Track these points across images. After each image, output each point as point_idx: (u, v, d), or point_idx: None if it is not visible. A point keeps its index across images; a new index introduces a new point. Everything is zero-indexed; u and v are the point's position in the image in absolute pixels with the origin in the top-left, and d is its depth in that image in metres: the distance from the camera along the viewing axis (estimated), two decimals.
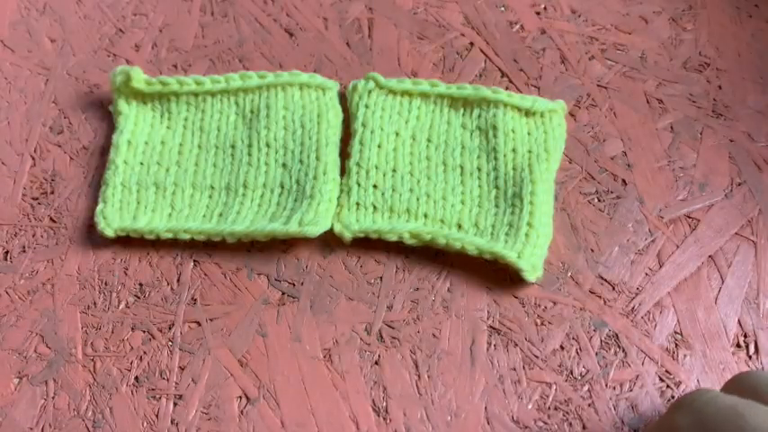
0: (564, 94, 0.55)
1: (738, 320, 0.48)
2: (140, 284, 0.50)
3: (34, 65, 0.58)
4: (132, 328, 0.49)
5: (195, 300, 0.50)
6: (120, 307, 0.50)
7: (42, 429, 0.46)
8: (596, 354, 0.47)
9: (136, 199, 0.52)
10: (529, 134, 0.52)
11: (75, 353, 0.48)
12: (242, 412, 0.46)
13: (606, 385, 0.46)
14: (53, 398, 0.47)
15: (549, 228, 0.50)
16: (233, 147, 0.53)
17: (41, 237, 0.52)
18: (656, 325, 0.48)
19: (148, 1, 0.61)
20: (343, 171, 0.52)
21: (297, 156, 0.52)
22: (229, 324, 0.49)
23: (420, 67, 0.57)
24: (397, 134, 0.53)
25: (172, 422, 0.46)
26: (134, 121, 0.54)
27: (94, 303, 0.50)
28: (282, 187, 0.52)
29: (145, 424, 0.46)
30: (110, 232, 0.50)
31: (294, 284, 0.50)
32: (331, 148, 0.52)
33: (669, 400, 0.46)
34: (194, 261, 0.51)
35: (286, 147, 0.53)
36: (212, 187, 0.52)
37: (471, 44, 0.58)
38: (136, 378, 0.47)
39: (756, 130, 0.54)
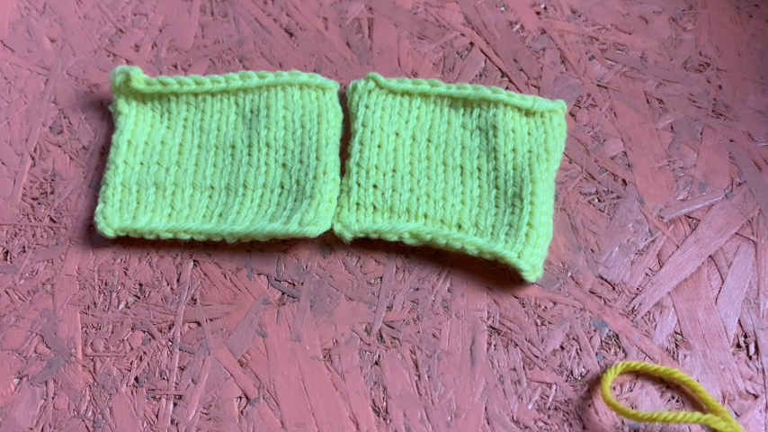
0: (564, 94, 0.55)
1: (739, 320, 0.48)
2: (140, 284, 0.50)
3: (34, 65, 0.58)
4: (132, 328, 0.49)
5: (195, 300, 0.50)
6: (120, 307, 0.50)
7: (42, 429, 0.46)
8: (596, 354, 0.47)
9: (136, 199, 0.52)
10: (529, 134, 0.52)
11: (75, 353, 0.48)
12: (242, 412, 0.46)
13: None
14: (53, 398, 0.47)
15: (550, 228, 0.50)
16: (233, 147, 0.53)
17: (41, 237, 0.52)
18: (656, 325, 0.48)
19: (148, 1, 0.61)
20: (343, 171, 0.52)
21: (297, 156, 0.52)
22: (229, 324, 0.49)
23: (420, 67, 0.57)
24: (397, 134, 0.53)
25: (172, 422, 0.46)
26: (134, 121, 0.54)
27: (94, 303, 0.50)
28: (282, 187, 0.52)
29: (145, 424, 0.46)
30: (110, 232, 0.50)
31: (294, 284, 0.50)
32: (331, 148, 0.52)
33: (669, 401, 0.46)
34: (194, 261, 0.51)
35: (286, 147, 0.53)
36: (212, 187, 0.52)
37: (471, 44, 0.58)
38: (136, 378, 0.47)
39: (756, 130, 0.54)
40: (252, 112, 0.54)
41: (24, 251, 0.51)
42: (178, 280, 0.50)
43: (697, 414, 0.44)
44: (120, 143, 0.53)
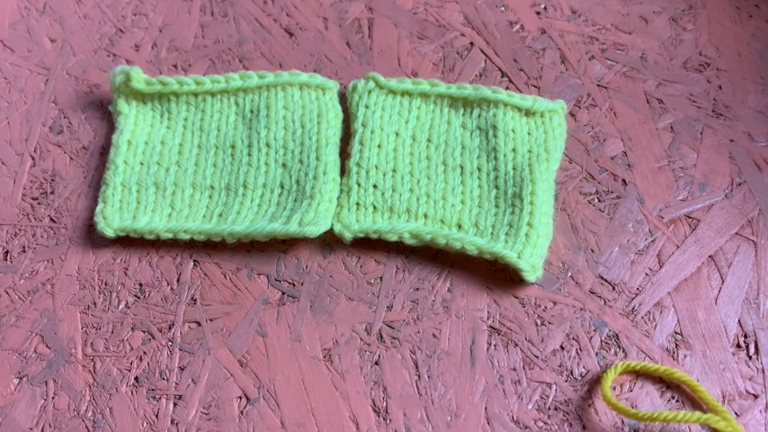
0: (564, 94, 0.55)
1: (738, 320, 0.48)
2: (140, 284, 0.50)
3: (34, 65, 0.58)
4: (132, 328, 0.49)
5: (195, 300, 0.50)
6: (120, 307, 0.50)
7: (42, 429, 0.46)
8: (596, 354, 0.47)
9: (136, 199, 0.52)
10: (529, 134, 0.52)
11: (75, 353, 0.48)
12: (242, 412, 0.46)
13: None
14: (53, 398, 0.47)
15: (550, 228, 0.50)
16: (233, 147, 0.53)
17: (41, 237, 0.52)
18: (656, 325, 0.48)
19: (148, 1, 0.61)
20: (343, 171, 0.52)
21: (297, 156, 0.52)
22: (229, 324, 0.49)
23: (420, 67, 0.57)
24: (397, 134, 0.53)
25: (172, 422, 0.46)
26: (134, 121, 0.54)
27: (94, 303, 0.50)
28: (282, 187, 0.52)
29: (145, 424, 0.46)
30: (110, 232, 0.50)
31: (294, 284, 0.50)
32: (331, 148, 0.52)
33: (669, 401, 0.46)
34: (194, 261, 0.51)
35: (286, 147, 0.53)
36: (212, 187, 0.52)
37: (471, 44, 0.58)
38: (136, 378, 0.47)
39: (756, 130, 0.54)
40: (252, 112, 0.54)
41: (24, 251, 0.51)
42: (178, 280, 0.50)
43: (697, 414, 0.44)
44: (120, 143, 0.53)
